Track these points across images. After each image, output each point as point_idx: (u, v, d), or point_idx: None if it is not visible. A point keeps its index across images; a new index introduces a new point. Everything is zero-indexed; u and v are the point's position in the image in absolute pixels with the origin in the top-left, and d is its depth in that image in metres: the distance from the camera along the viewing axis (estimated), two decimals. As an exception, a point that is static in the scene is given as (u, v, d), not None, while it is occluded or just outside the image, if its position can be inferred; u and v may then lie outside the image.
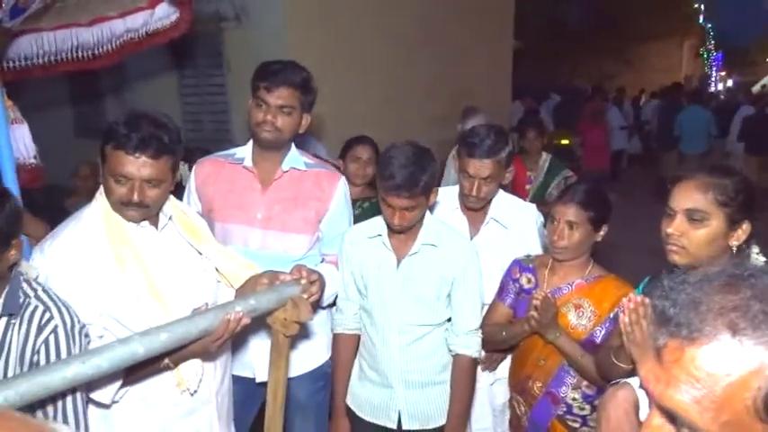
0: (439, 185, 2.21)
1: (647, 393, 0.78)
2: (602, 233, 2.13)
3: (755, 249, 1.60)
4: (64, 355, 1.44)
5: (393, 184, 1.95)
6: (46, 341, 1.42)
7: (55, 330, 1.43)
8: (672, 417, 0.75)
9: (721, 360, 0.70)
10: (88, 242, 1.69)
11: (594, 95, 10.38)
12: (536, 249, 2.41)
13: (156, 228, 1.80)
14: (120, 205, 1.69)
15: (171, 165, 1.72)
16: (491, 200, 2.40)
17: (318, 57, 4.99)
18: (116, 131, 1.63)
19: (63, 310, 1.47)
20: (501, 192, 2.45)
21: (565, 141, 9.39)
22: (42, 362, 1.42)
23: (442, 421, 2.20)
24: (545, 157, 4.40)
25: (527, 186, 4.29)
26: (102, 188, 1.74)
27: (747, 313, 0.71)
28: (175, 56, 6.55)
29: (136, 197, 1.66)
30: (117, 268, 1.68)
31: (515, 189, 3.62)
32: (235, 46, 6.25)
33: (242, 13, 6.18)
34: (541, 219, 2.47)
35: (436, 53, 7.43)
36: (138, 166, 1.64)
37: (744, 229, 1.57)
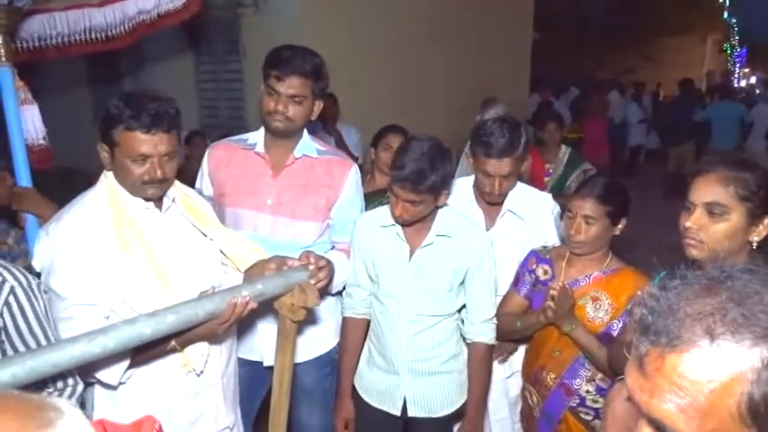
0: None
1: (634, 404, 0.76)
2: (620, 227, 2.09)
3: (776, 248, 1.56)
4: (29, 312, 1.48)
5: (399, 176, 1.93)
6: (7, 303, 1.43)
7: (13, 291, 1.44)
8: (660, 427, 0.73)
9: (702, 367, 0.69)
10: (93, 224, 1.68)
11: (601, 88, 10.10)
12: (552, 240, 2.37)
13: (161, 210, 1.80)
14: (142, 185, 1.69)
15: (178, 136, 1.74)
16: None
17: (335, 44, 4.96)
18: (121, 114, 1.62)
19: (13, 269, 1.48)
20: (517, 183, 2.40)
21: (581, 135, 9.31)
22: (9, 324, 1.44)
23: (447, 410, 2.19)
24: (564, 150, 4.35)
25: (546, 179, 4.24)
26: (105, 172, 1.74)
27: (725, 317, 0.69)
28: (193, 42, 6.57)
29: (159, 174, 1.67)
30: (121, 250, 1.67)
31: (534, 181, 3.58)
32: (252, 33, 6.25)
33: (260, 0, 6.18)
34: (558, 209, 2.44)
35: (454, 44, 7.36)
36: (155, 143, 1.64)
37: (765, 225, 1.52)
